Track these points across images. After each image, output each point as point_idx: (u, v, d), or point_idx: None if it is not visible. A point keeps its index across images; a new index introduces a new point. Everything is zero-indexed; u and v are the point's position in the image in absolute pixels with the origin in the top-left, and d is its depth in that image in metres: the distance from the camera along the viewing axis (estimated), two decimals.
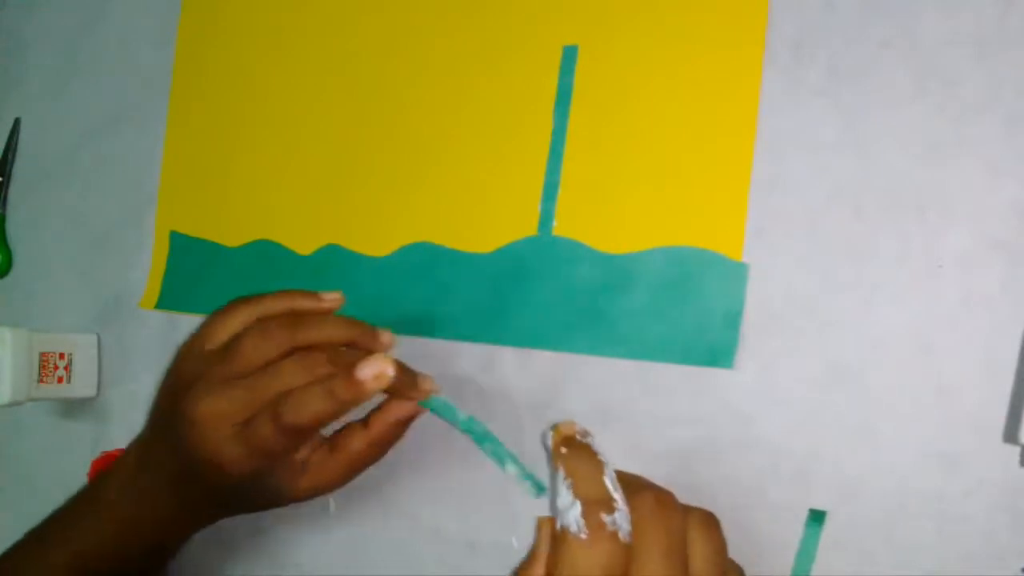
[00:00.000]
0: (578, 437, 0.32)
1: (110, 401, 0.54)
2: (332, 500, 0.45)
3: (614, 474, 0.31)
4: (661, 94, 0.39)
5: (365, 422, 0.39)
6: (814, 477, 0.35)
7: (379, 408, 0.39)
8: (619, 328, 0.39)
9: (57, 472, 0.56)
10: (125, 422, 0.53)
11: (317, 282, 0.46)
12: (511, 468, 0.39)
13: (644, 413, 0.38)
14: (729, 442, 0.37)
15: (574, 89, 0.41)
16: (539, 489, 0.39)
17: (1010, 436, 0.32)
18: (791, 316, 0.36)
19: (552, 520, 0.32)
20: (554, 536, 0.30)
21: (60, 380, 0.52)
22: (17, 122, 0.57)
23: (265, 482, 0.37)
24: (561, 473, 0.31)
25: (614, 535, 0.29)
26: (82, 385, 0.53)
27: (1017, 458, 0.32)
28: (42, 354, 0.50)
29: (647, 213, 0.39)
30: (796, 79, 0.37)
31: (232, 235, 0.50)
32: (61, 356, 0.51)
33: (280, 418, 0.35)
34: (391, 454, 0.44)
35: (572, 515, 0.29)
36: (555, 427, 0.32)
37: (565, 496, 0.30)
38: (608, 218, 0.40)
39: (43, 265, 0.57)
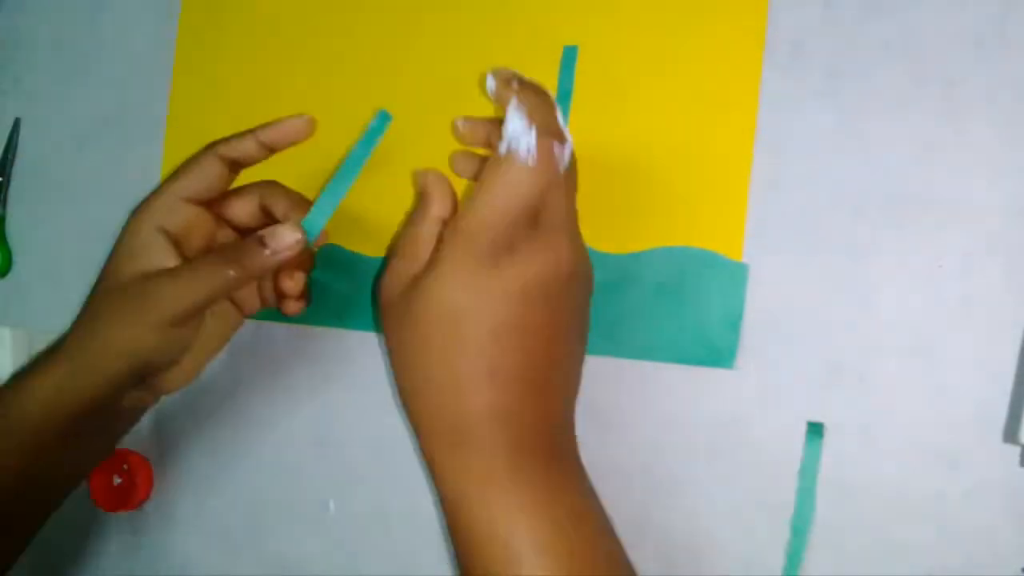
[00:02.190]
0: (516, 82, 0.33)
1: None
2: (331, 500, 0.45)
3: (561, 114, 0.33)
4: (661, 94, 0.39)
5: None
6: None
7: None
8: (619, 328, 0.39)
9: None
10: None
11: (317, 282, 0.46)
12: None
13: (644, 413, 0.38)
14: (729, 442, 0.37)
15: (574, 89, 0.41)
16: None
17: (1010, 436, 0.32)
18: (791, 316, 0.36)
19: (442, 176, 0.35)
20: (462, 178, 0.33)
21: None
22: (17, 122, 0.57)
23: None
24: (514, 103, 0.31)
25: (558, 168, 0.31)
26: None
27: (1017, 458, 0.32)
28: None
29: (647, 213, 0.39)
30: (796, 79, 0.37)
31: None
32: None
33: None
34: (391, 454, 0.44)
35: (526, 141, 0.30)
36: (494, 71, 0.33)
37: (518, 123, 0.31)
38: (608, 218, 0.40)
39: (43, 265, 0.56)
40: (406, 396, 0.33)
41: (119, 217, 0.54)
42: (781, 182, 0.37)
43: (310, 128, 0.42)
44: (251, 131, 0.41)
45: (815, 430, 0.35)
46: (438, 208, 0.35)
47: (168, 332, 0.38)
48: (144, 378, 0.40)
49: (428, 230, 0.35)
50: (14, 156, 0.58)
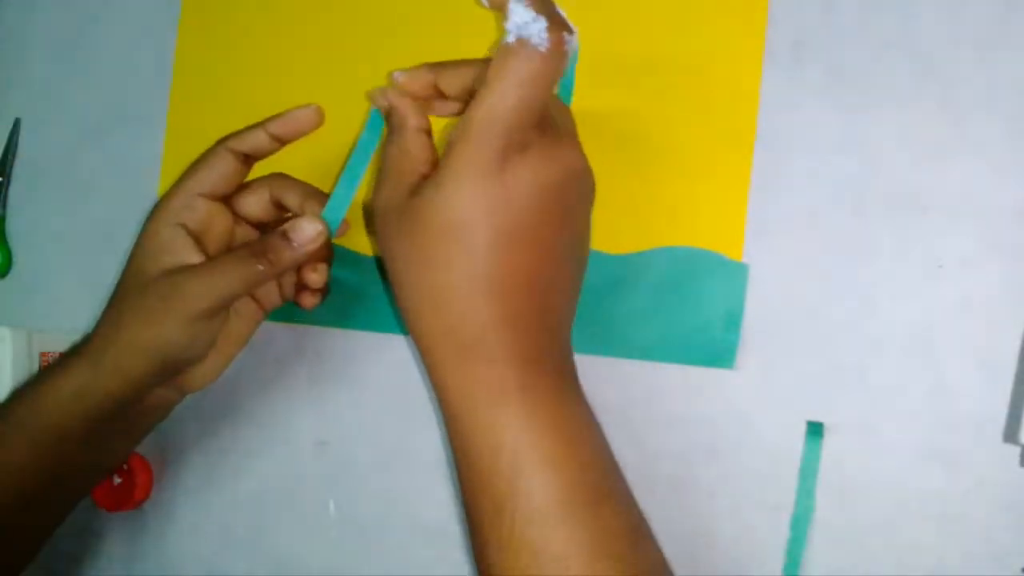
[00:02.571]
0: None
1: None
2: (332, 501, 0.45)
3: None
4: (661, 94, 0.39)
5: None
6: None
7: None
8: (619, 328, 0.39)
9: None
10: None
11: None
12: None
13: (644, 413, 0.38)
14: (729, 442, 0.37)
15: (574, 89, 0.41)
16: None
17: (1010, 436, 0.32)
18: (791, 316, 0.36)
19: (403, 92, 0.33)
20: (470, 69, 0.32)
21: None
22: (17, 122, 0.57)
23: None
24: None
25: (567, 56, 0.30)
26: None
27: (1017, 458, 0.32)
28: (42, 354, 0.50)
29: (647, 213, 0.39)
30: (796, 79, 0.37)
31: None
32: (61, 356, 0.51)
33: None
34: (392, 454, 0.44)
35: (536, 28, 0.29)
36: None
37: (523, 14, 0.29)
38: (608, 218, 0.40)
39: (43, 265, 0.56)
40: (410, 313, 0.32)
41: (119, 217, 0.54)
42: (781, 182, 0.37)
43: (319, 118, 0.41)
44: (260, 124, 0.41)
45: (815, 430, 0.35)
46: (415, 120, 0.34)
47: (195, 328, 0.37)
48: (169, 376, 0.40)
49: (416, 143, 0.34)
50: (14, 156, 0.57)
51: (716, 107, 0.38)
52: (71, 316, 0.55)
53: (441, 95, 0.36)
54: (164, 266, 0.38)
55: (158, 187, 0.53)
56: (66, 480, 0.40)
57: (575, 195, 0.32)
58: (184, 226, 0.39)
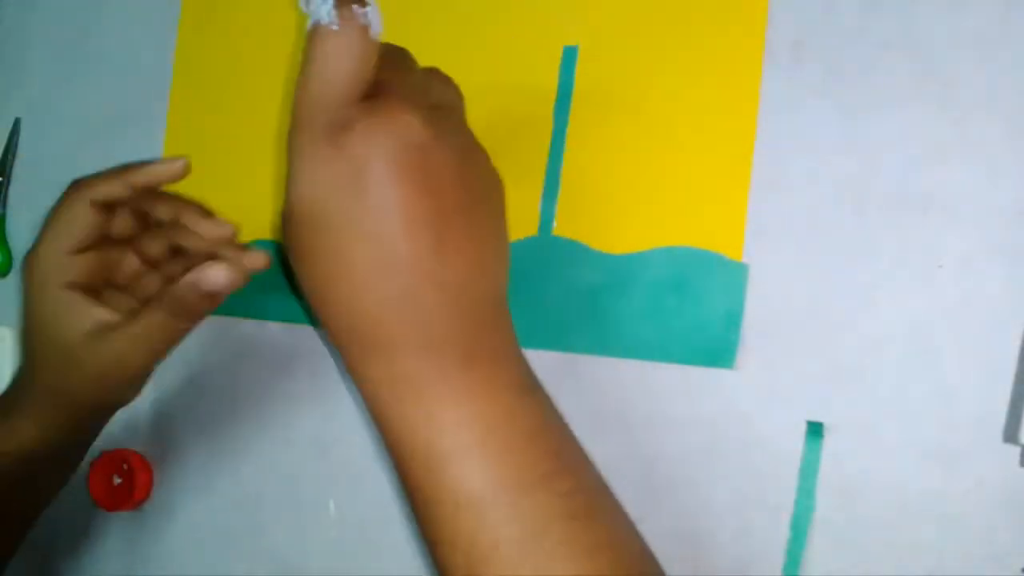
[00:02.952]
0: None
1: None
2: (332, 501, 0.45)
3: None
4: (661, 94, 0.39)
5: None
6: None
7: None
8: (619, 328, 0.39)
9: None
10: (124, 421, 0.53)
11: None
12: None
13: (643, 413, 0.38)
14: (729, 442, 0.37)
15: (574, 89, 0.41)
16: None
17: (1010, 436, 0.32)
18: (791, 316, 0.36)
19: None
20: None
21: None
22: (17, 122, 0.57)
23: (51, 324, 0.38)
24: None
25: (365, 29, 0.29)
26: None
27: (1017, 458, 0.32)
28: None
29: (647, 213, 0.39)
30: (796, 79, 0.37)
31: None
32: None
33: None
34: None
35: (325, 8, 0.29)
36: None
37: None
38: (608, 218, 0.40)
39: None
40: (317, 314, 0.32)
41: None
42: (781, 182, 0.37)
43: (184, 171, 0.40)
44: (120, 172, 0.40)
45: (815, 430, 0.35)
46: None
47: (132, 385, 0.41)
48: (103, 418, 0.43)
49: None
50: (14, 156, 0.57)
51: (716, 107, 0.38)
52: None
53: None
54: (77, 330, 0.38)
55: None
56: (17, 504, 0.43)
57: (432, 161, 0.29)
58: (71, 285, 0.39)
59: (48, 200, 0.56)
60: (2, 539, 0.43)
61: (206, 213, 0.41)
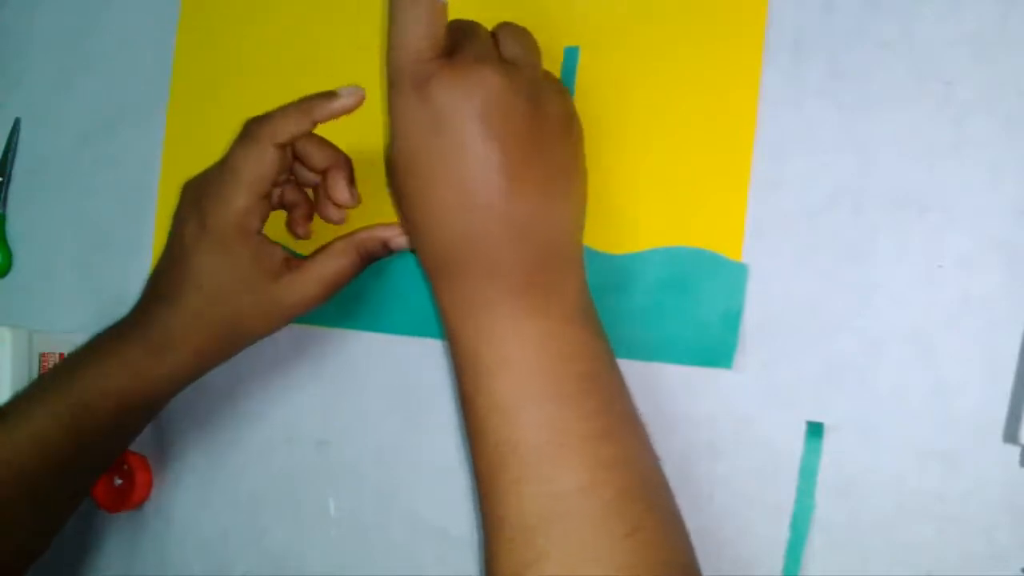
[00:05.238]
0: None
1: None
2: (332, 501, 0.45)
3: None
4: (661, 94, 0.39)
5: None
6: None
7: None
8: (619, 328, 0.39)
9: None
10: None
11: None
12: None
13: (643, 413, 0.38)
14: (729, 442, 0.37)
15: (575, 89, 0.41)
16: None
17: (1010, 436, 0.32)
18: (791, 316, 0.36)
19: None
20: None
21: None
22: (17, 122, 0.57)
23: (246, 270, 0.40)
24: None
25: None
26: None
27: (1017, 458, 0.32)
28: (42, 354, 0.50)
29: (647, 213, 0.39)
30: (796, 79, 0.37)
31: None
32: (61, 356, 0.51)
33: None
34: (392, 454, 0.44)
35: None
36: None
37: None
38: (608, 218, 0.40)
39: (43, 265, 0.57)
40: (415, 248, 0.36)
41: (119, 217, 0.54)
42: (781, 182, 0.37)
43: (362, 99, 0.41)
44: (299, 107, 0.40)
45: (815, 430, 0.35)
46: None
47: (289, 320, 0.42)
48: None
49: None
50: (14, 156, 0.58)
51: (716, 107, 0.38)
52: (71, 316, 0.55)
53: None
54: (266, 271, 0.40)
55: (158, 187, 0.53)
56: (94, 448, 0.43)
57: (506, 106, 0.33)
58: (259, 233, 0.41)
59: (48, 200, 0.56)
60: (90, 478, 0.45)
61: (350, 176, 0.43)
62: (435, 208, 0.34)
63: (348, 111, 0.40)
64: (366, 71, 0.46)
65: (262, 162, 0.39)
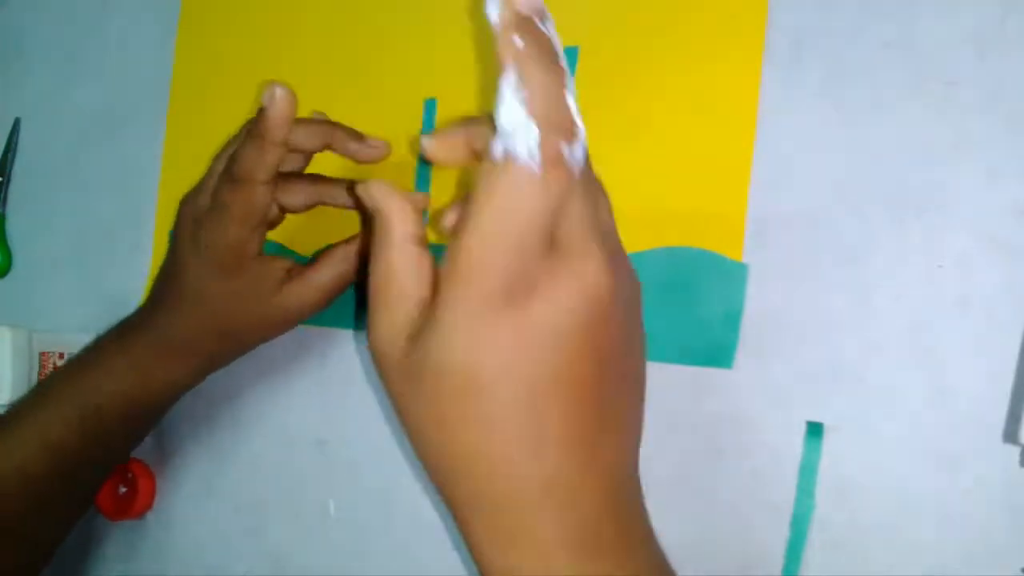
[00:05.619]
0: (537, 21, 0.25)
1: None
2: (332, 501, 0.45)
3: (574, 87, 0.24)
4: (661, 94, 0.39)
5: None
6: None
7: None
8: None
9: None
10: None
11: None
12: None
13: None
14: (729, 442, 0.37)
15: (574, 90, 0.41)
16: None
17: (1010, 436, 0.32)
18: (791, 316, 0.36)
19: (388, 186, 0.27)
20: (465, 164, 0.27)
21: None
22: (17, 122, 0.57)
23: (247, 288, 0.40)
24: (510, 78, 0.23)
25: (571, 173, 0.24)
26: None
27: (1017, 458, 0.32)
28: (42, 354, 0.50)
29: (647, 213, 0.39)
30: (796, 79, 0.37)
31: None
32: (61, 356, 0.51)
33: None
34: (392, 454, 0.44)
35: (525, 140, 0.22)
36: None
37: (515, 111, 0.23)
38: None
39: (43, 265, 0.57)
40: (433, 476, 0.27)
41: (119, 217, 0.54)
42: (781, 182, 0.37)
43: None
44: (263, 135, 0.37)
45: (815, 430, 0.35)
46: (400, 227, 0.28)
47: (289, 327, 0.43)
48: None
49: (401, 259, 0.27)
50: (14, 156, 0.58)
51: (716, 107, 0.38)
52: (71, 316, 0.55)
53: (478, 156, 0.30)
54: (271, 282, 0.41)
55: (158, 187, 0.53)
56: (103, 455, 0.44)
57: (610, 318, 0.26)
58: (259, 254, 0.41)
59: (48, 200, 0.56)
60: (95, 485, 0.45)
61: (353, 136, 0.42)
62: (495, 442, 0.26)
63: (288, 118, 0.38)
64: (366, 71, 0.46)
65: (250, 201, 0.39)
